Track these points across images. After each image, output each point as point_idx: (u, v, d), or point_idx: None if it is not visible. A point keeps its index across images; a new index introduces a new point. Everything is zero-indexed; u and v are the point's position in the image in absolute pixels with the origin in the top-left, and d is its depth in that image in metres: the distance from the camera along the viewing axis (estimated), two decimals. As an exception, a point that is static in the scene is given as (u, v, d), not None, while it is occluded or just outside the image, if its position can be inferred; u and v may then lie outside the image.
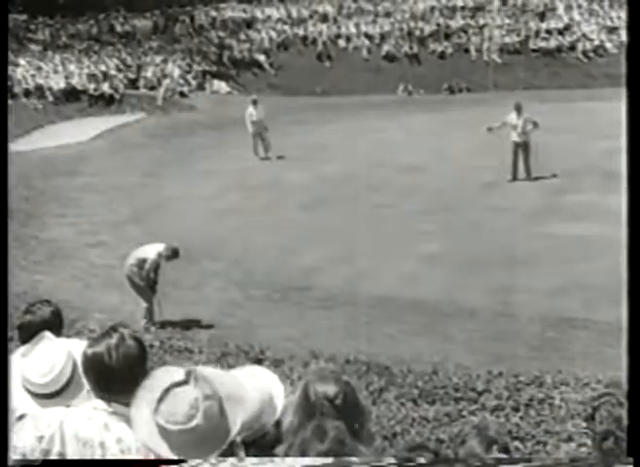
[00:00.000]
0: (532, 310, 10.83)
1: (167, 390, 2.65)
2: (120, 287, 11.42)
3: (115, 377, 2.95)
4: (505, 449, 2.91)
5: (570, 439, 6.52)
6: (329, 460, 2.60)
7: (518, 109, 17.31)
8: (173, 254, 10.69)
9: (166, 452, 2.66)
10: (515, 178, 17.20)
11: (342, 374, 3.02)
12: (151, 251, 10.68)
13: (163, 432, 2.65)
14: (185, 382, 2.67)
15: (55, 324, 4.12)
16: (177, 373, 2.71)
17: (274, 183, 17.71)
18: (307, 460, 2.69)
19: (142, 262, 10.63)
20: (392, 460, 2.62)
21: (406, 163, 18.53)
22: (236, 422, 2.71)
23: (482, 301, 11.21)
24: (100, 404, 2.99)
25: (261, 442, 3.03)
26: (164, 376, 2.74)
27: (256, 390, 2.97)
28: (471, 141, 20.29)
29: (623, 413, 2.67)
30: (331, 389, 2.88)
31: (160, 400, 2.65)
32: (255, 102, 20.30)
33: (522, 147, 17.24)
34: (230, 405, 2.71)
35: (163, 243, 10.78)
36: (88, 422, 2.94)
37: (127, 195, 17.20)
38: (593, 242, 12.81)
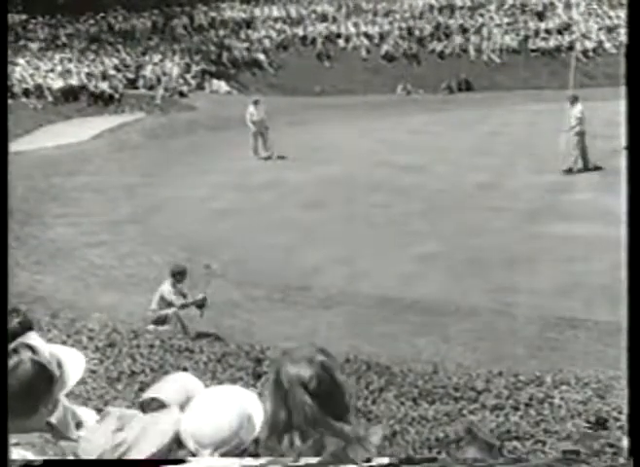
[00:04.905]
0: (532, 310, 10.84)
1: None
2: (119, 287, 11.43)
3: (12, 400, 2.75)
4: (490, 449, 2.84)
5: (569, 438, 6.52)
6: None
7: (577, 100, 17.15)
8: (180, 273, 10.30)
9: None
10: (587, 167, 16.92)
11: (316, 355, 2.69)
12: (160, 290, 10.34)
13: None
14: None
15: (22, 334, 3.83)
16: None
17: (274, 183, 17.70)
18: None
19: (163, 301, 10.23)
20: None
21: (405, 163, 18.52)
22: None
23: (482, 300, 11.22)
24: None
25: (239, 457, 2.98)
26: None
27: (234, 407, 2.86)
28: (470, 141, 20.29)
29: None
30: (304, 372, 2.63)
31: None
32: (256, 102, 20.27)
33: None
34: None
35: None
36: None
37: (127, 195, 17.19)
38: (593, 242, 12.82)
